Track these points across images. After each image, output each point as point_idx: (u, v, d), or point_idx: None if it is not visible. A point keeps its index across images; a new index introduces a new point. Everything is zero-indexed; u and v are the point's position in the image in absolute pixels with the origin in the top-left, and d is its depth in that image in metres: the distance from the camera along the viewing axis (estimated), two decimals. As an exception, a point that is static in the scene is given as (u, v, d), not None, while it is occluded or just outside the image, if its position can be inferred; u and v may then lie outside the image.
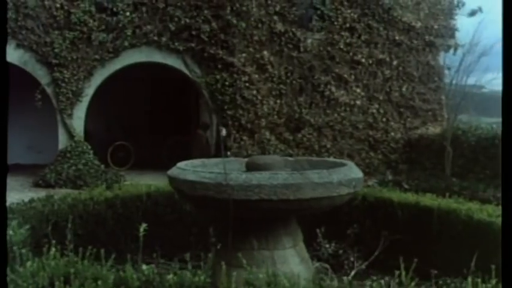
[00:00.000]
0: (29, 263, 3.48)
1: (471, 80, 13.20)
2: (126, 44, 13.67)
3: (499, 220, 4.13)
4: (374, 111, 15.46)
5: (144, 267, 3.43)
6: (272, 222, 4.57)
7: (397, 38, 15.54)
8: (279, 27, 14.73)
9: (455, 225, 4.63)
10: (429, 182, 12.51)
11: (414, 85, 15.76)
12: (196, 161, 5.69)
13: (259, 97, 14.57)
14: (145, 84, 16.39)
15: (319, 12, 15.16)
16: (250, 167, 4.85)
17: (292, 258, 4.53)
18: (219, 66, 14.30)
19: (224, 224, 4.95)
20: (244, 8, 14.26)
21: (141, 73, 14.78)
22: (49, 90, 13.41)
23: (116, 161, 15.44)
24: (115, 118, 16.93)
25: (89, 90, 13.66)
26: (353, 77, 15.32)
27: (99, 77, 13.76)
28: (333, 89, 15.15)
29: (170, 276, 3.22)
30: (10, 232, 4.31)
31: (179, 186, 4.67)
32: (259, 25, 14.58)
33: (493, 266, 3.08)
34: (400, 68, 15.64)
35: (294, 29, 14.86)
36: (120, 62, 13.81)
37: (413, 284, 2.87)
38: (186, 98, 17.50)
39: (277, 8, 14.70)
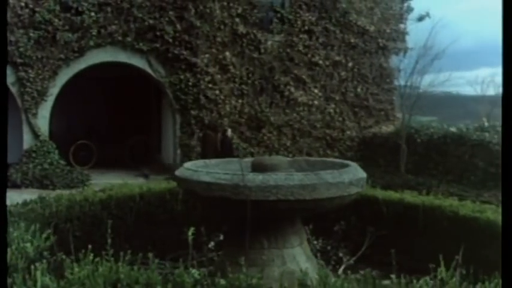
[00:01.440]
0: (76, 269, 3.45)
1: (425, 82, 14.12)
2: (91, 43, 13.69)
3: (484, 215, 4.68)
4: (331, 110, 16.15)
5: (192, 270, 3.53)
6: (281, 222, 4.80)
7: (352, 41, 16.30)
8: (241, 29, 15.14)
9: (441, 220, 5.14)
10: (384, 179, 13.24)
11: (368, 86, 16.58)
12: (199, 162, 5.87)
13: (222, 97, 14.94)
14: (108, 83, 16.38)
15: (279, 15, 15.69)
16: (257, 168, 4.98)
17: (299, 256, 4.76)
18: (183, 66, 14.57)
19: (232, 223, 5.22)
20: (207, 10, 14.59)
21: (105, 73, 14.78)
22: (13, 90, 13.23)
23: (77, 160, 15.40)
24: (77, 117, 16.82)
25: (54, 90, 13.60)
26: (311, 78, 15.94)
27: (64, 76, 13.72)
28: (292, 89, 15.72)
29: (221, 280, 3.31)
30: (28, 237, 4.33)
31: (192, 187, 4.74)
32: (222, 27, 14.95)
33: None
34: (355, 70, 16.41)
35: (255, 31, 15.31)
36: (85, 61, 13.82)
37: (454, 280, 3.05)
38: (147, 98, 17.60)
39: (239, 11, 15.11)
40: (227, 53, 15.02)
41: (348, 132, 16.35)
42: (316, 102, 15.98)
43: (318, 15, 15.94)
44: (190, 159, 14.84)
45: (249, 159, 6.30)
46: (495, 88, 25.04)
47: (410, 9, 17.13)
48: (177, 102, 14.72)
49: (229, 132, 13.45)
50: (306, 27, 15.83)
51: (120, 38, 13.99)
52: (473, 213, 4.85)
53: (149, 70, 14.48)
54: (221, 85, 14.96)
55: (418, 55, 13.73)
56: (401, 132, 14.11)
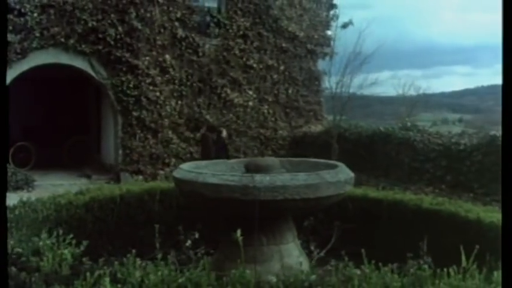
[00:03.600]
0: (137, 273, 3.52)
1: (354, 84, 15.42)
2: (34, 45, 13.64)
3: (445, 207, 5.66)
4: (264, 111, 17.10)
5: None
6: (279, 220, 5.24)
7: (283, 45, 17.31)
8: (180, 32, 15.65)
9: (405, 213, 5.95)
10: (317, 175, 14.28)
11: (298, 88, 17.69)
12: (191, 164, 6.25)
13: (162, 98, 15.40)
14: (47, 84, 16.25)
15: (215, 19, 16.34)
16: (252, 169, 5.28)
17: (294, 251, 5.16)
18: (124, 68, 14.85)
19: (229, 222, 5.76)
20: (148, 14, 14.97)
21: (45, 74, 14.73)
22: (-46, 92, 12.93)
23: (16, 161, 15.24)
24: (15, 119, 16.52)
25: (-4, 92, 13.42)
26: (246, 80, 16.78)
27: (7, 78, 13.56)
28: (229, 91, 16.48)
29: (273, 277, 3.48)
30: (47, 242, 4.34)
31: (198, 189, 4.89)
32: (162, 30, 15.39)
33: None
34: (286, 73, 17.46)
35: (193, 35, 15.89)
36: (28, 63, 13.72)
37: (474, 266, 3.33)
38: (86, 99, 17.61)
39: (178, 15, 15.61)
40: (167, 56, 15.49)
41: (280, 132, 17.37)
42: (250, 103, 16.84)
43: (252, 20, 16.78)
44: (132, 159, 15.27)
45: (234, 161, 6.84)
46: (416, 89, 27.72)
47: (336, 17, 18.38)
48: (119, 104, 14.99)
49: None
50: (241, 32, 16.62)
51: (62, 39, 14.02)
52: (434, 206, 5.80)
53: (91, 72, 14.63)
54: (161, 87, 15.41)
55: (348, 59, 14.94)
56: (333, 131, 15.24)
